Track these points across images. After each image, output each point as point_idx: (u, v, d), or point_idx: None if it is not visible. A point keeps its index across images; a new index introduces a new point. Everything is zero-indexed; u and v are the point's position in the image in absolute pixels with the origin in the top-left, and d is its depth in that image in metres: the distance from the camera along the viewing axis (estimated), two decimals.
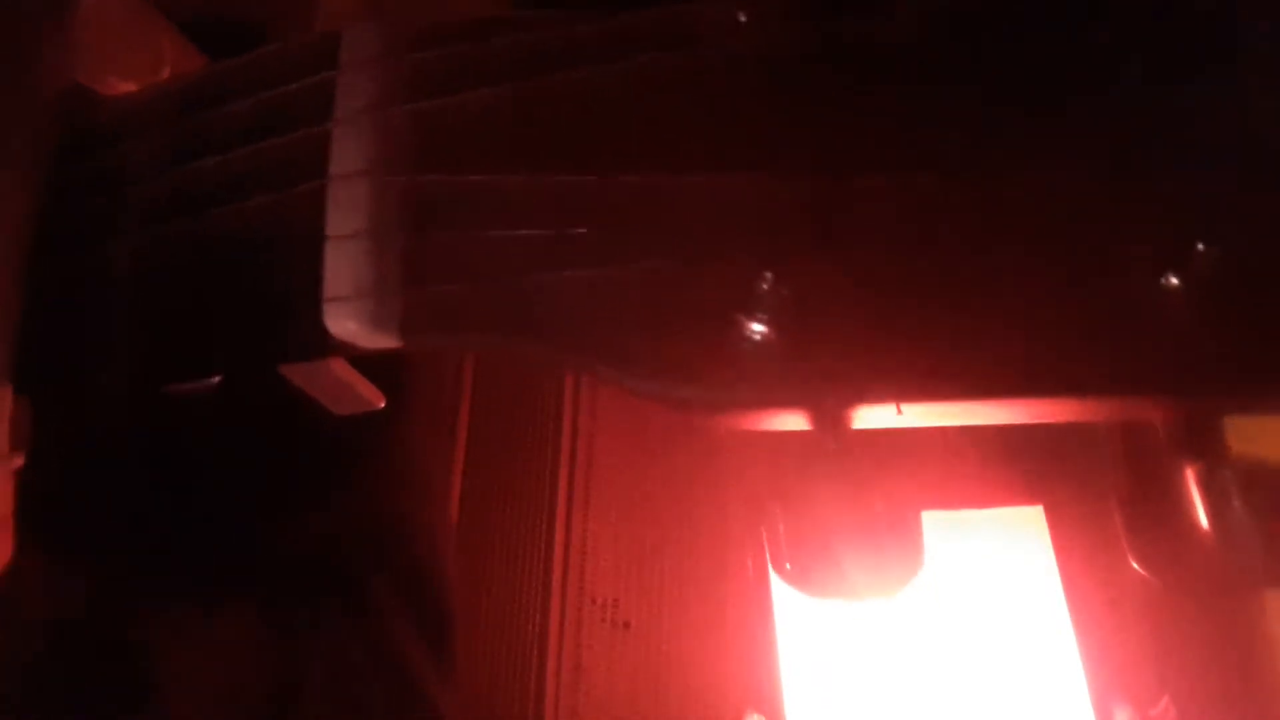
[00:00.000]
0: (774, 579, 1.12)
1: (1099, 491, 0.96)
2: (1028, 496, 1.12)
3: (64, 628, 0.38)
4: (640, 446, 1.15)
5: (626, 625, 1.11)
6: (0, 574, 0.32)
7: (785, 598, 1.07)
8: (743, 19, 0.22)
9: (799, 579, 0.20)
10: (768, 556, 0.20)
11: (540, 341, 0.21)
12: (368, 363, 0.29)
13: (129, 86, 0.28)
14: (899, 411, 0.20)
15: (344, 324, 0.23)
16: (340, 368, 0.29)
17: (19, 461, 0.26)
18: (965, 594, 1.05)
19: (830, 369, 0.20)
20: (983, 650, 1.04)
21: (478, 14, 0.24)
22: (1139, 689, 1.03)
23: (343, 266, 0.23)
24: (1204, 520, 0.19)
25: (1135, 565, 0.20)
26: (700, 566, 1.13)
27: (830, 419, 0.20)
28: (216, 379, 0.26)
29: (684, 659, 1.10)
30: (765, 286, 0.20)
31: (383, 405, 0.26)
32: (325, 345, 0.23)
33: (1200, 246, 0.18)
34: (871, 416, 0.20)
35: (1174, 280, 0.18)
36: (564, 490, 1.14)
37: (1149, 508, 0.20)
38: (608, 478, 1.15)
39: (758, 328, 0.20)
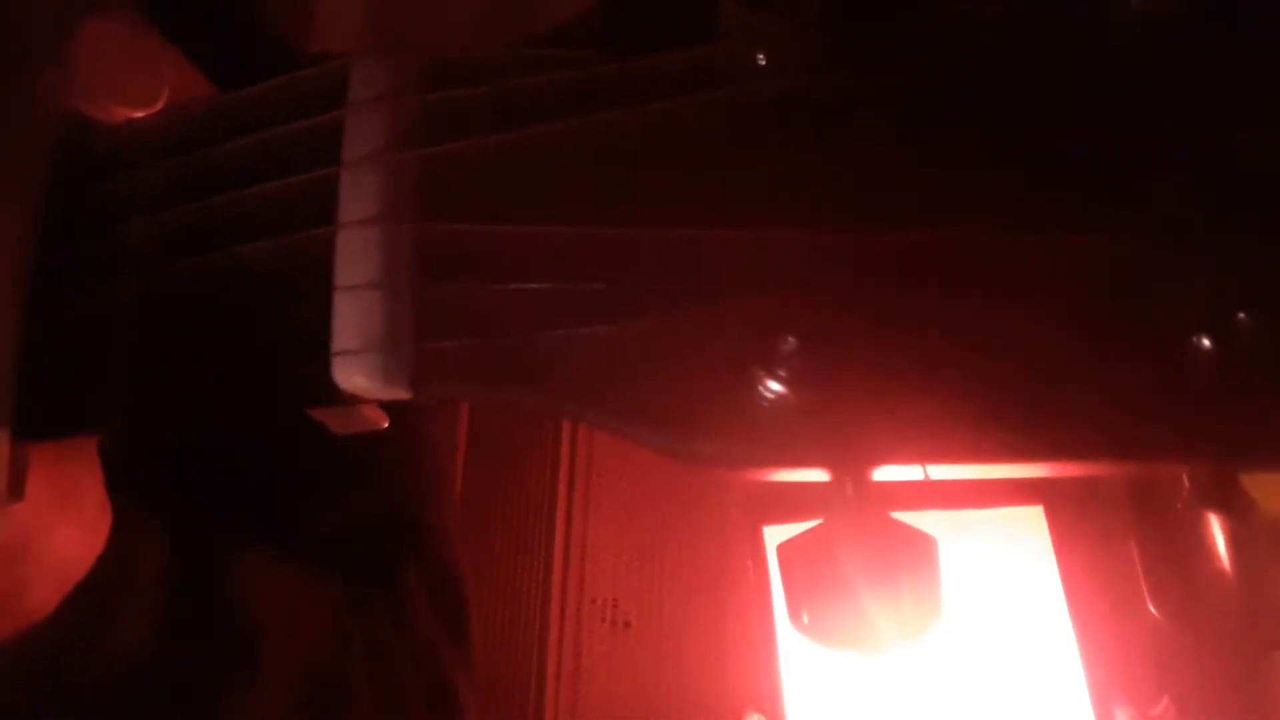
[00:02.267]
0: (774, 579, 1.12)
1: (1099, 492, 0.96)
2: (1028, 496, 1.11)
3: (169, 592, 0.38)
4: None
5: (626, 625, 1.11)
6: (104, 549, 0.33)
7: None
8: (762, 62, 0.22)
9: (818, 631, 0.19)
10: (786, 608, 0.20)
11: (553, 397, 0.21)
12: None
13: (129, 113, 0.28)
14: (926, 476, 0.19)
15: (353, 378, 0.22)
16: None
17: (18, 506, 0.25)
18: (965, 594, 1.05)
19: (850, 430, 0.19)
20: (983, 650, 1.04)
21: (491, 52, 0.24)
22: (1139, 689, 1.03)
23: (352, 318, 0.22)
24: (1228, 570, 0.18)
25: (1153, 610, 0.19)
26: (700, 566, 1.13)
27: (850, 478, 0.20)
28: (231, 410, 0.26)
29: (684, 659, 1.10)
30: (785, 348, 0.19)
31: (386, 425, 0.26)
32: (333, 396, 0.22)
33: (1241, 315, 0.17)
34: (893, 472, 0.20)
35: (1205, 342, 0.18)
36: (564, 490, 1.14)
37: (1169, 552, 0.19)
38: (608, 478, 1.15)
39: (775, 386, 0.19)
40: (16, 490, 0.25)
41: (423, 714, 0.50)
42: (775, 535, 1.10)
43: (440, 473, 0.57)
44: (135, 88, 0.28)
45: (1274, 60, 0.19)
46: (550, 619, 1.09)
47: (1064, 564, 1.08)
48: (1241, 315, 0.18)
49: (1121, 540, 0.21)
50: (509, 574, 1.10)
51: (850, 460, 0.20)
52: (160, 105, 0.28)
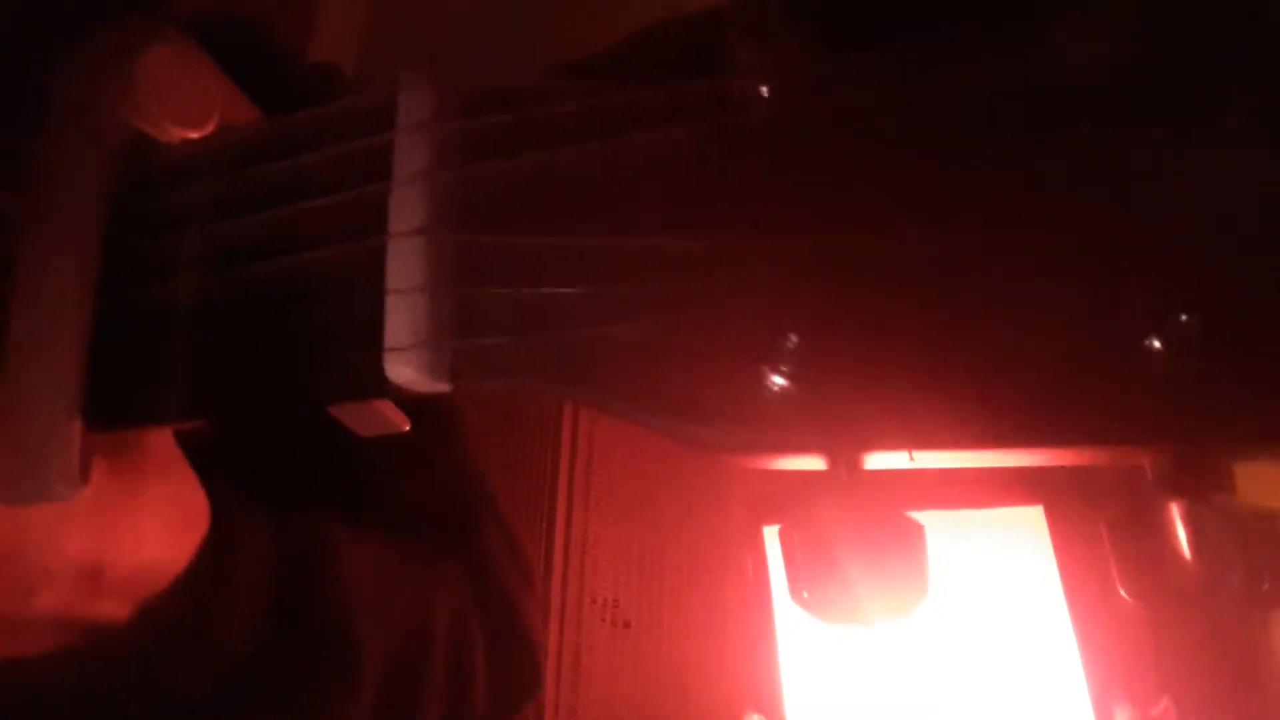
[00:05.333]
0: (774, 579, 1.12)
1: (1099, 492, 0.96)
2: (1028, 496, 1.12)
3: (277, 582, 0.39)
4: (640, 447, 1.15)
5: (626, 625, 1.11)
6: (200, 546, 0.34)
7: (785, 598, 1.07)
8: (765, 93, 0.24)
9: (813, 605, 0.21)
10: (785, 585, 0.22)
11: (579, 389, 0.23)
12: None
13: (183, 133, 0.30)
14: (911, 459, 0.21)
15: (402, 370, 0.24)
16: None
17: (87, 489, 0.27)
18: (965, 594, 1.05)
19: (845, 419, 0.21)
20: (983, 650, 1.05)
21: (523, 83, 0.27)
22: (1139, 689, 1.04)
23: (402, 318, 0.25)
24: (1187, 551, 0.20)
25: (1121, 591, 0.21)
26: (700, 566, 1.13)
27: (842, 461, 0.22)
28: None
29: (684, 659, 1.10)
30: (789, 345, 0.22)
31: (407, 429, 0.28)
32: (381, 388, 0.25)
33: (1184, 317, 0.20)
34: (883, 459, 0.22)
35: (1157, 344, 0.20)
36: (564, 490, 1.14)
37: (1137, 534, 0.21)
38: (608, 478, 1.15)
39: (779, 380, 0.22)
40: (85, 475, 0.27)
41: (494, 668, 0.51)
42: (775, 535, 1.10)
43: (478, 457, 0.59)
44: (190, 110, 0.30)
45: (1221, 70, 0.21)
46: (550, 619, 1.09)
47: (1064, 564, 1.08)
48: (1184, 317, 0.20)
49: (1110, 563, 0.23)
50: None
51: (844, 445, 0.22)
52: (212, 128, 0.30)
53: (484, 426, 1.10)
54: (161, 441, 0.32)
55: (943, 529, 1.08)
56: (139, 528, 0.32)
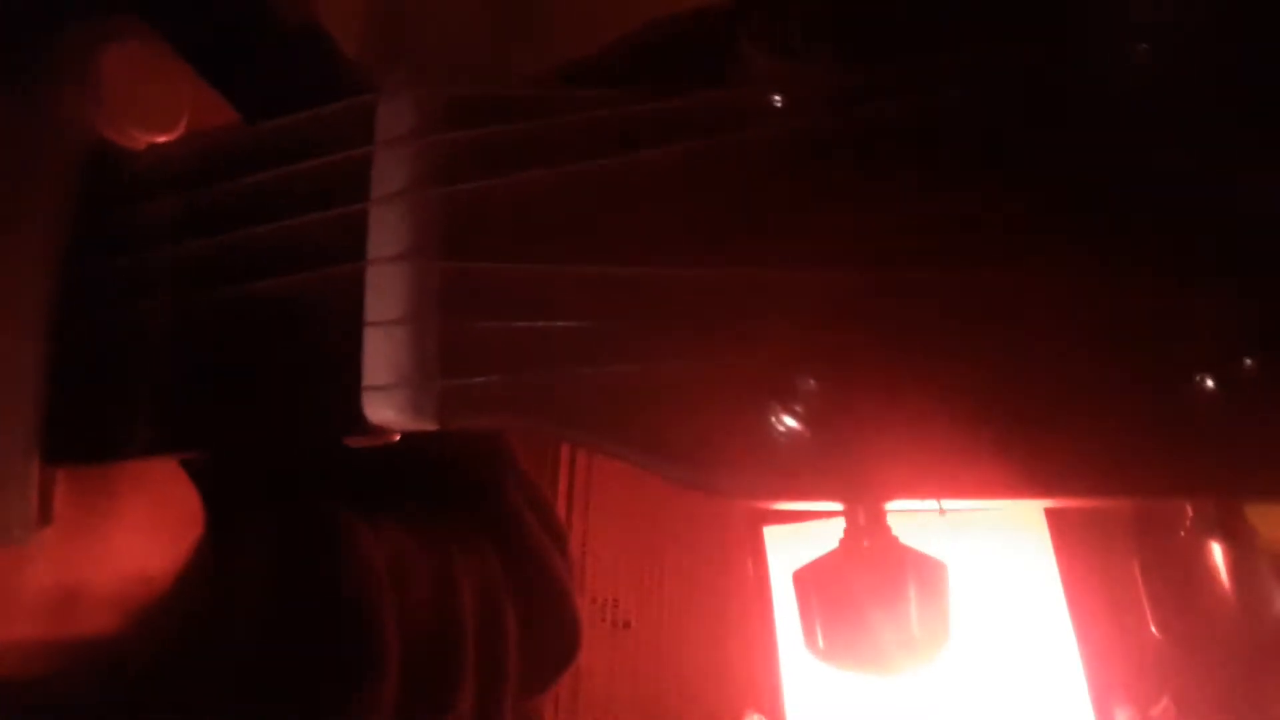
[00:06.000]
0: (774, 579, 1.12)
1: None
2: None
3: (282, 573, 0.37)
4: None
5: (626, 625, 1.11)
6: (196, 550, 0.33)
7: (785, 598, 1.07)
8: (778, 103, 0.22)
9: (831, 655, 0.20)
10: (801, 636, 0.20)
11: (577, 431, 0.22)
12: None
13: (152, 138, 0.28)
14: (941, 512, 0.20)
15: (383, 411, 0.23)
16: None
17: (46, 536, 0.26)
18: (965, 594, 1.05)
19: (863, 465, 0.20)
20: (983, 649, 1.04)
21: (514, 90, 0.24)
22: (1139, 689, 1.04)
23: (382, 354, 0.22)
24: (1231, 596, 0.19)
25: (1156, 632, 0.20)
26: (700, 566, 1.13)
27: (863, 509, 0.21)
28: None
29: (684, 659, 1.10)
30: (806, 386, 0.20)
31: (398, 439, 0.26)
32: (360, 429, 0.23)
33: (1248, 362, 0.18)
34: (908, 505, 0.20)
35: (1209, 383, 0.18)
36: (564, 490, 1.14)
37: (1171, 574, 0.20)
38: (608, 478, 1.15)
39: (792, 422, 0.20)
40: (45, 515, 0.26)
41: (517, 647, 0.49)
42: (775, 535, 1.10)
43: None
44: (157, 113, 0.28)
45: (1275, 103, 0.19)
46: None
47: (1064, 564, 1.08)
48: (1248, 361, 0.18)
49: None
50: None
51: (863, 493, 0.21)
52: (181, 131, 0.28)
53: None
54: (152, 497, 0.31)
55: (942, 529, 1.07)
56: (112, 543, 0.30)
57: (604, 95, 0.24)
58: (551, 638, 0.53)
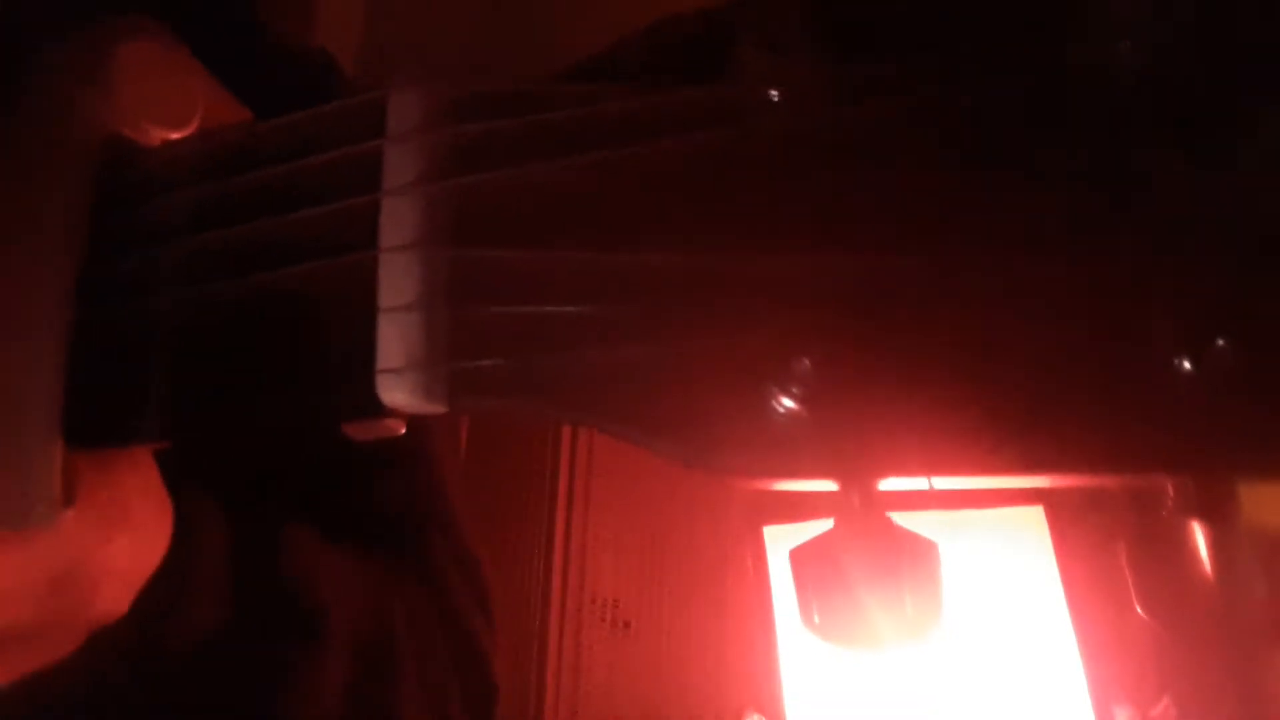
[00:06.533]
0: (774, 579, 1.12)
1: (1099, 493, 0.96)
2: (1028, 496, 1.12)
3: (234, 570, 0.39)
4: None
5: (626, 625, 1.11)
6: (171, 539, 0.34)
7: (785, 598, 1.07)
8: (776, 98, 0.23)
9: (826, 631, 0.21)
10: (797, 610, 0.21)
11: (579, 411, 0.23)
12: None
13: (166, 134, 0.29)
14: (930, 486, 0.21)
15: (395, 394, 0.23)
16: None
17: (70, 514, 0.27)
18: (965, 594, 1.05)
19: (858, 443, 0.21)
20: (983, 650, 1.05)
21: (521, 85, 0.25)
22: (1139, 689, 1.04)
23: (394, 339, 0.23)
24: (1210, 574, 0.20)
25: (1139, 609, 0.21)
26: (700, 567, 1.13)
27: (857, 489, 0.21)
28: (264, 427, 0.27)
29: (684, 659, 1.10)
30: (799, 368, 0.21)
31: (403, 432, 0.27)
32: (374, 410, 0.24)
33: (1220, 342, 0.19)
34: (899, 484, 0.21)
35: (1186, 365, 0.19)
36: (564, 490, 1.14)
37: (1156, 555, 0.21)
38: (608, 478, 1.15)
39: (789, 402, 0.21)
40: (68, 497, 0.26)
41: (455, 680, 0.52)
42: (775, 535, 1.10)
43: (448, 473, 0.59)
44: (171, 110, 0.29)
45: (1251, 94, 0.20)
46: (550, 619, 1.09)
47: (1064, 564, 1.08)
48: (1220, 341, 0.19)
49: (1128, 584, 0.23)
50: (508, 574, 1.11)
51: (857, 472, 0.21)
52: (195, 128, 0.29)
53: (484, 427, 1.10)
54: (137, 453, 0.32)
55: (942, 529, 1.07)
56: (117, 537, 0.31)
57: (606, 91, 0.25)
58: (475, 695, 0.54)
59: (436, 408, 0.24)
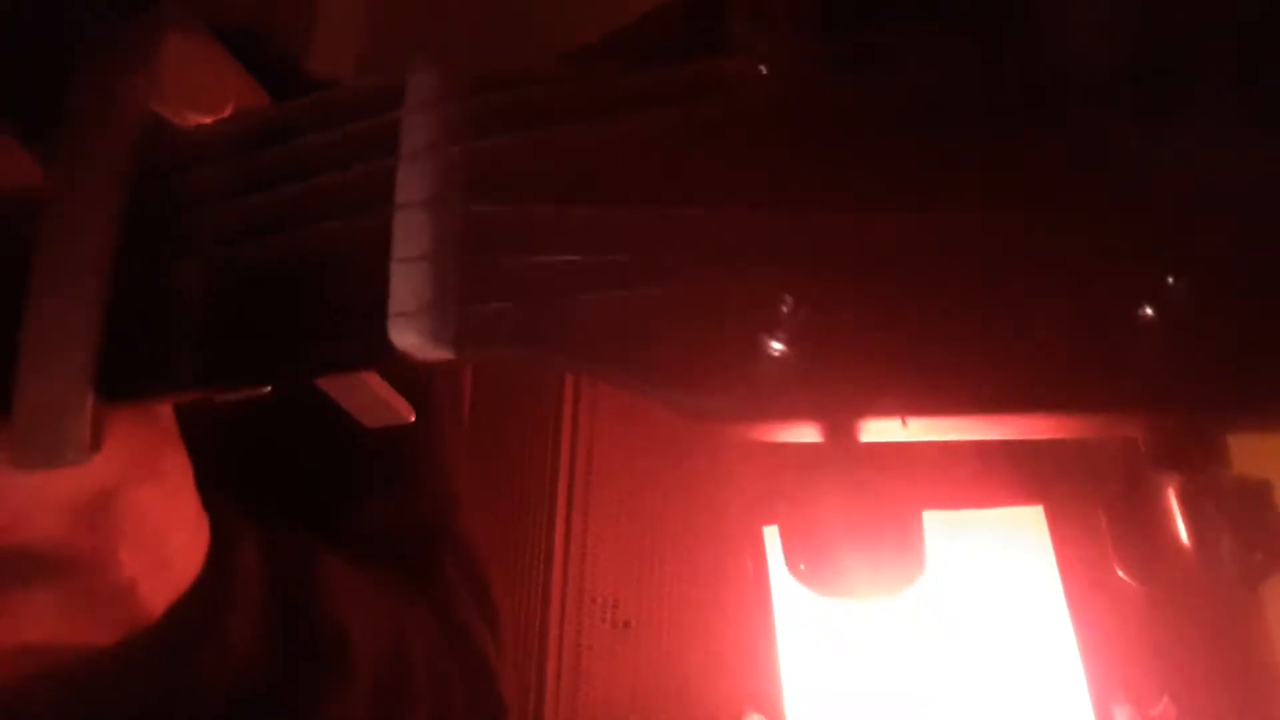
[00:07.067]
0: (774, 579, 1.12)
1: (1099, 492, 0.96)
2: (1028, 496, 1.12)
3: (267, 594, 0.41)
4: (640, 447, 1.15)
5: (626, 625, 1.11)
6: (208, 554, 0.36)
7: (785, 598, 1.07)
8: (764, 71, 0.25)
9: (808, 578, 0.22)
10: (782, 555, 0.22)
11: (579, 356, 0.24)
12: (394, 371, 0.33)
13: (200, 118, 0.31)
14: (904, 425, 0.22)
15: (406, 337, 0.25)
16: (375, 382, 0.33)
17: (97, 458, 0.29)
18: (965, 594, 1.05)
19: (840, 385, 0.22)
20: (983, 650, 1.05)
21: (526, 66, 0.28)
22: (1139, 689, 1.04)
23: (407, 286, 0.25)
24: (1182, 530, 0.21)
25: (1120, 572, 0.22)
26: (700, 566, 1.13)
27: (838, 430, 0.22)
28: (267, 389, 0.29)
29: (684, 659, 1.10)
30: (785, 309, 0.22)
31: (413, 419, 0.28)
32: (386, 354, 0.26)
33: (1170, 280, 0.20)
34: (879, 429, 0.22)
35: (1149, 311, 0.21)
36: (564, 490, 1.14)
37: (1133, 513, 0.22)
38: (608, 478, 1.15)
39: (777, 346, 0.22)
40: (96, 443, 0.28)
41: (465, 702, 0.52)
42: (775, 535, 1.10)
43: (455, 472, 0.60)
44: (206, 95, 0.31)
45: (1193, 64, 0.22)
46: (550, 619, 1.09)
47: (1064, 564, 1.08)
48: (1170, 279, 0.20)
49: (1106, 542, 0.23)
50: (509, 574, 1.11)
51: (839, 409, 0.22)
52: (227, 114, 0.31)
53: (485, 427, 1.11)
54: (164, 420, 0.34)
55: (943, 529, 1.08)
56: (143, 489, 0.33)
57: (606, 67, 0.27)
58: (484, 713, 0.55)
59: (444, 353, 0.25)
